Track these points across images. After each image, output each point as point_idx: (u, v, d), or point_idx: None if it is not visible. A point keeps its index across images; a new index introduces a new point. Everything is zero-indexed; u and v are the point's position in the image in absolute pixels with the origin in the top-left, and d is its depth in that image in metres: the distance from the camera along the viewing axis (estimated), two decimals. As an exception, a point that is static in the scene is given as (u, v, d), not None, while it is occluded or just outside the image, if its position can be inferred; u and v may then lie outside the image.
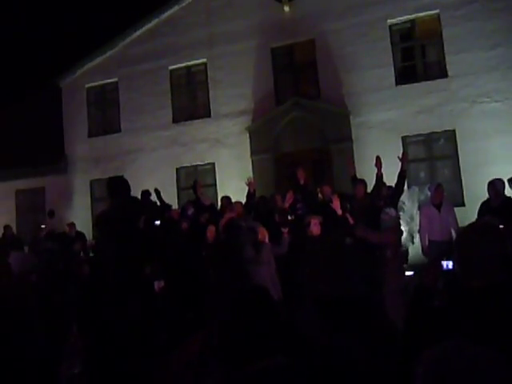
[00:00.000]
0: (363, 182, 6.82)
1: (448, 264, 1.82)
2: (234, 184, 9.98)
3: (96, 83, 12.79)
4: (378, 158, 6.77)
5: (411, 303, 1.90)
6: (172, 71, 12.13)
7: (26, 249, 7.55)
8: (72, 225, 9.52)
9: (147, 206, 4.89)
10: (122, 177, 4.49)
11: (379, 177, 6.77)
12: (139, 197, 4.60)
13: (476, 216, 6.64)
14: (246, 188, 7.88)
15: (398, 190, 6.72)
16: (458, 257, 1.73)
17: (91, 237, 10.21)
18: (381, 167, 6.76)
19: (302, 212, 6.73)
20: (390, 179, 7.11)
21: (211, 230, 6.03)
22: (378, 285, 5.20)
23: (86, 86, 12.86)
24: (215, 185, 11.32)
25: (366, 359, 1.66)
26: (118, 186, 4.27)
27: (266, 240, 5.42)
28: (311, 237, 5.38)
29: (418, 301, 1.87)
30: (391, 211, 5.64)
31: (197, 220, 6.93)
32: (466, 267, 1.70)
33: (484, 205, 6.68)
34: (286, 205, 6.54)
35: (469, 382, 1.06)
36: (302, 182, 7.14)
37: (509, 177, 6.99)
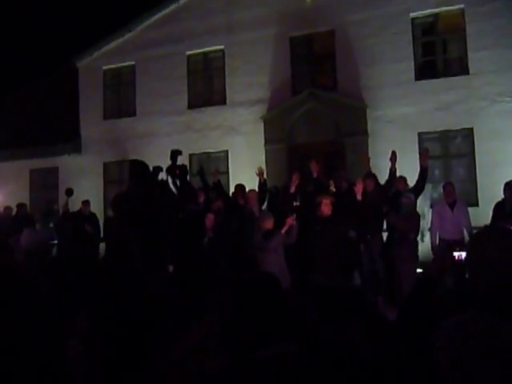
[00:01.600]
0: (373, 177, 6.86)
1: (461, 255, 1.79)
2: (246, 172, 9.95)
3: (113, 66, 12.80)
4: (393, 153, 6.81)
5: (414, 290, 1.88)
6: (189, 56, 12.08)
7: (38, 226, 7.64)
8: (86, 202, 9.58)
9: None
10: (142, 161, 4.54)
11: (393, 172, 6.80)
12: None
13: (490, 216, 6.57)
14: (257, 178, 7.86)
15: (418, 186, 6.77)
16: (469, 261, 1.70)
17: (103, 218, 10.30)
18: (395, 162, 6.78)
19: (311, 191, 6.73)
20: (405, 174, 7.07)
21: (210, 218, 6.02)
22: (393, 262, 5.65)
23: (103, 67, 12.88)
24: (228, 173, 11.32)
25: (360, 349, 1.66)
26: (141, 168, 4.33)
27: (284, 230, 5.40)
28: (321, 217, 5.36)
29: (421, 289, 1.85)
30: (411, 196, 6.03)
31: (208, 207, 6.93)
32: (475, 272, 1.67)
33: (498, 206, 6.60)
34: (293, 188, 6.51)
35: (486, 349, 1.08)
36: (315, 174, 7.13)
37: (526, 178, 6.87)
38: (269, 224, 5.43)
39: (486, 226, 1.94)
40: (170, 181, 5.12)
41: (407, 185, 6.94)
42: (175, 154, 5.25)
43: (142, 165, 4.42)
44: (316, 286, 2.08)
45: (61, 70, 14.19)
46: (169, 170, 5.11)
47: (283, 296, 1.51)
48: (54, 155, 12.76)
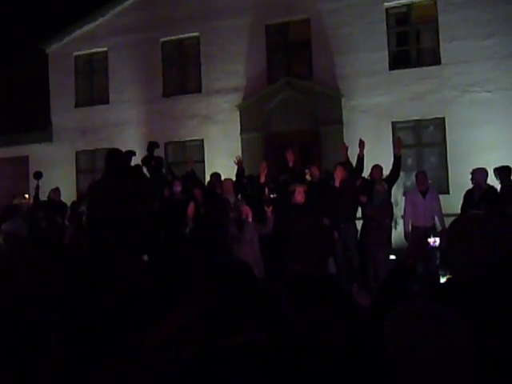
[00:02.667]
0: (349, 165, 6.99)
1: (435, 241, 1.82)
2: (222, 161, 9.93)
3: (84, 51, 12.47)
4: (361, 141, 7.00)
5: (389, 276, 1.91)
6: (163, 43, 11.88)
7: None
8: (56, 190, 9.38)
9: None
10: (117, 149, 4.48)
11: (360, 158, 6.96)
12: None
13: (460, 204, 6.75)
14: (235, 166, 7.84)
15: (392, 175, 6.93)
16: (450, 248, 1.72)
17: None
18: (363, 149, 6.93)
19: (284, 179, 6.80)
20: (380, 163, 7.20)
21: (191, 207, 6.02)
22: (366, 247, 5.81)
23: (74, 53, 12.54)
24: (203, 161, 11.25)
25: (332, 337, 1.68)
26: (115, 157, 4.28)
27: (250, 218, 5.44)
28: (295, 204, 5.45)
29: (397, 275, 1.88)
30: (384, 183, 6.23)
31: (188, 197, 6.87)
32: (454, 260, 1.69)
33: (468, 193, 6.78)
34: (262, 177, 6.56)
35: (429, 336, 1.10)
36: (290, 164, 7.17)
37: (495, 166, 7.07)
38: (240, 213, 5.43)
39: (465, 212, 1.98)
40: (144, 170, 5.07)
41: (383, 173, 7.07)
42: (152, 145, 5.20)
43: (116, 153, 4.36)
44: (290, 274, 2.10)
45: (30, 56, 13.73)
46: (144, 161, 5.07)
47: (256, 284, 1.52)
48: (24, 144, 12.41)
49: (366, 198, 6.37)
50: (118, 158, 4.30)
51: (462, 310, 1.24)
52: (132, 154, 4.56)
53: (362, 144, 7.00)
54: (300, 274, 2.04)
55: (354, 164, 7.04)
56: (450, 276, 1.76)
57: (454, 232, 1.72)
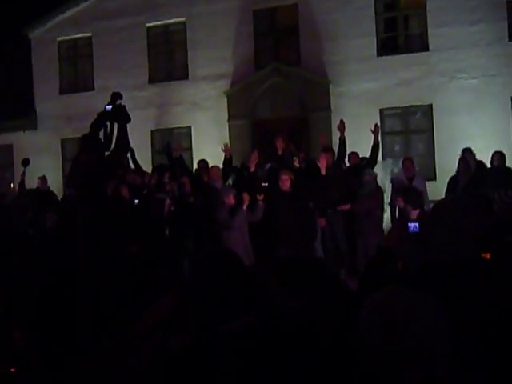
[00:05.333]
0: (332, 151, 6.96)
1: (415, 226, 1.83)
2: (210, 148, 9.84)
3: (68, 37, 12.21)
4: (341, 122, 6.94)
5: (371, 261, 1.92)
6: (149, 29, 11.67)
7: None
8: (43, 178, 9.25)
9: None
10: (94, 134, 4.41)
11: (342, 140, 6.91)
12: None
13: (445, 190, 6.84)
14: (223, 153, 7.78)
15: (370, 161, 6.93)
16: (432, 229, 1.73)
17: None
18: (343, 131, 6.88)
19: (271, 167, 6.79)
20: (367, 150, 7.21)
21: (186, 181, 6.06)
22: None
23: (58, 39, 12.26)
24: (191, 149, 11.16)
25: (324, 320, 1.69)
26: (91, 142, 4.23)
27: (245, 206, 5.43)
28: (281, 192, 5.46)
29: (379, 260, 1.88)
30: (373, 172, 6.18)
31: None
32: (438, 241, 1.70)
33: (452, 180, 6.87)
34: (252, 166, 6.54)
35: (406, 323, 1.09)
36: (280, 152, 7.12)
37: (481, 152, 7.14)
38: (231, 199, 5.43)
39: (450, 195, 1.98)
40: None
41: (359, 159, 7.14)
42: (116, 96, 5.17)
43: (84, 137, 4.33)
44: (278, 259, 2.10)
45: (11, 41, 13.39)
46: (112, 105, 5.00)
47: (244, 270, 1.52)
48: (7, 131, 12.18)
49: (349, 205, 6.25)
50: (84, 141, 4.28)
51: (438, 293, 1.24)
52: (118, 96, 4.56)
53: (341, 125, 6.86)
54: (288, 257, 2.04)
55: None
56: (427, 259, 1.76)
57: (438, 213, 1.73)
